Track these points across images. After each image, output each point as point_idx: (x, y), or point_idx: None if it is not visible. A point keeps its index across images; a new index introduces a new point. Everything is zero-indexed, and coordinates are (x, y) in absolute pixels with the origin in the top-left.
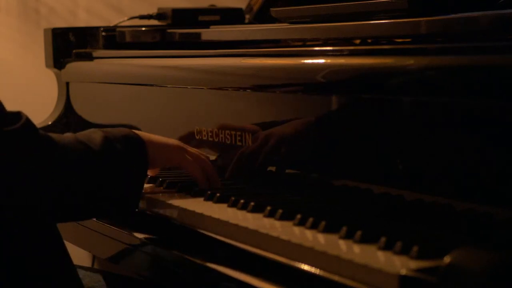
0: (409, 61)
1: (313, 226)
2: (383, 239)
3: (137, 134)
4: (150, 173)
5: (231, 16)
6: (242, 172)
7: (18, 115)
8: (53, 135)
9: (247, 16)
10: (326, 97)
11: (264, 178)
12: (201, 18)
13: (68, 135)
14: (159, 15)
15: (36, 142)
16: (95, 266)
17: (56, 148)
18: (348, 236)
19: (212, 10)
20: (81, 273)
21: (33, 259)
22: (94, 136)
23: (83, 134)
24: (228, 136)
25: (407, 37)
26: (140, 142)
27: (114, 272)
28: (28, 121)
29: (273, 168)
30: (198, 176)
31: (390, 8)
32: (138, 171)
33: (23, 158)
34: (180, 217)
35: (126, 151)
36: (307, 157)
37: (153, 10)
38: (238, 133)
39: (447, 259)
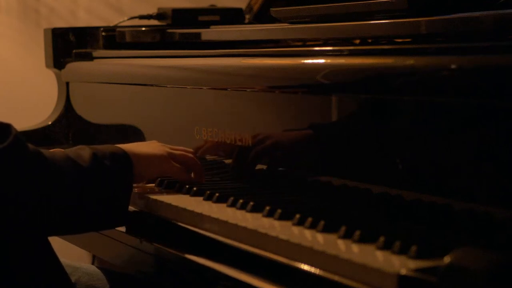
0: (409, 61)
1: (312, 226)
2: (381, 239)
3: (123, 151)
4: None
5: (231, 16)
6: (242, 172)
7: (7, 129)
8: (44, 151)
9: (247, 16)
10: (326, 97)
11: (263, 178)
12: (201, 18)
13: (58, 151)
14: (159, 15)
15: (26, 158)
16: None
17: (46, 164)
18: (347, 235)
19: (212, 10)
20: (80, 270)
21: (17, 256)
22: (82, 153)
23: (71, 151)
24: (228, 136)
25: (407, 37)
26: (127, 158)
27: (114, 270)
28: (17, 138)
29: (272, 168)
30: (185, 179)
31: (390, 8)
32: (125, 187)
33: (12, 174)
34: (179, 217)
35: (114, 168)
36: (307, 157)
37: (153, 10)
38: (238, 132)
39: (447, 259)
